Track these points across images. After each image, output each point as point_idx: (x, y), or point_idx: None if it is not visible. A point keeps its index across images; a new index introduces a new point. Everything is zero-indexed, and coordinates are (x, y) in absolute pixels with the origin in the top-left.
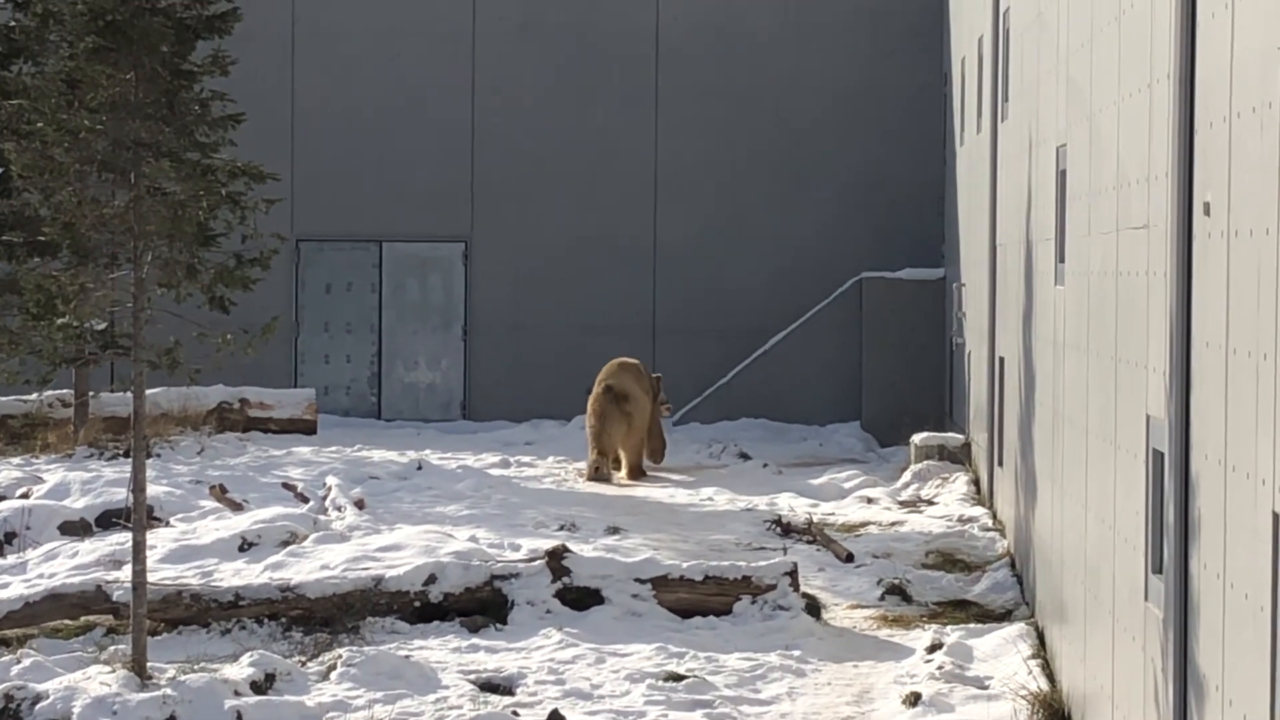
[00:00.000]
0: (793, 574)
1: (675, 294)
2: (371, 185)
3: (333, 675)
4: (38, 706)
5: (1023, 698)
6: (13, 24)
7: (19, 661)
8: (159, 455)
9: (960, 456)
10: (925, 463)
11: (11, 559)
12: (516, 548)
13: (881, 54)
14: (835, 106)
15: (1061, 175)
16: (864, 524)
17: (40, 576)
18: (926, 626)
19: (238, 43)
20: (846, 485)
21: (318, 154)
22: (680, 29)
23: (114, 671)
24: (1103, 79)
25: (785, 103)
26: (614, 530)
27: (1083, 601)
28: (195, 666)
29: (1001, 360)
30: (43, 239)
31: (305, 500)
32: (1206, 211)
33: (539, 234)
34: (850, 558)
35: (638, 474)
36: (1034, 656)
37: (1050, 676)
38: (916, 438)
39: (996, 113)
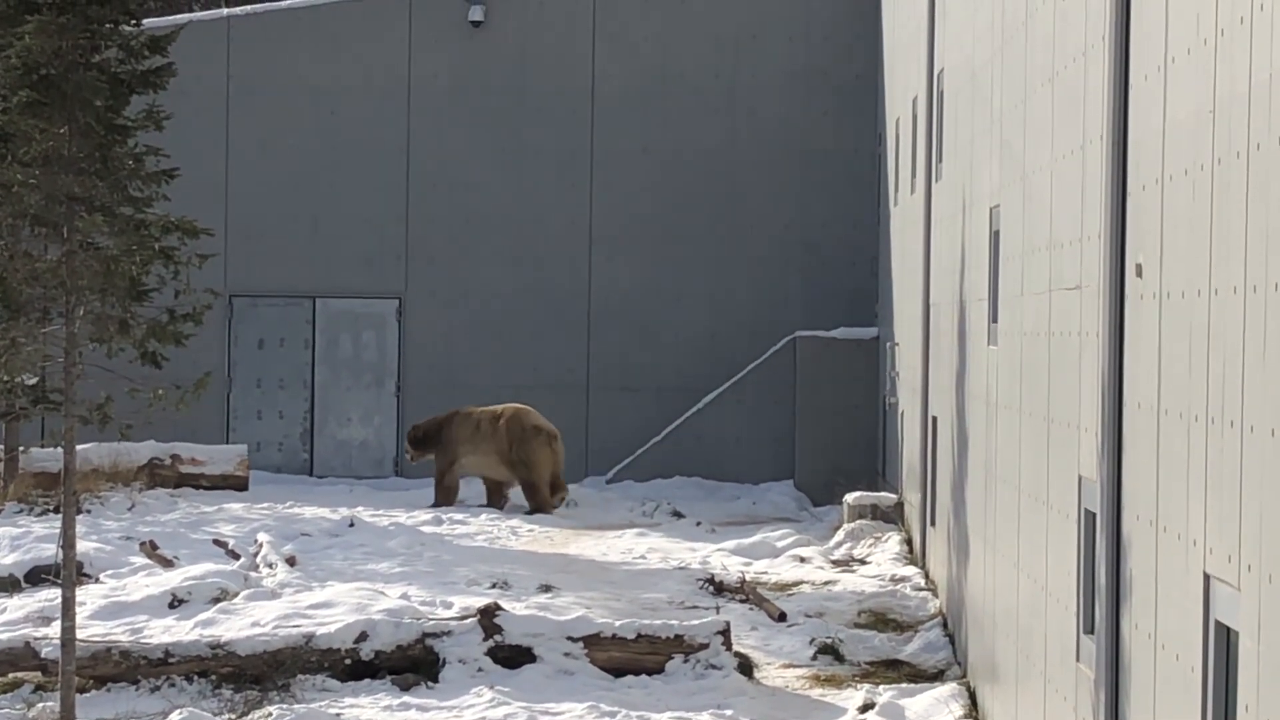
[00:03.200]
0: (725, 633)
1: (609, 352)
2: (305, 241)
3: None
4: None
5: None
6: None
7: None
8: (89, 511)
9: (893, 516)
10: (858, 522)
11: None
12: (449, 605)
13: (816, 114)
14: (770, 165)
15: (995, 235)
16: (797, 583)
17: None
18: (859, 686)
19: (172, 97)
20: (779, 544)
21: (252, 209)
22: (615, 89)
23: None
24: (1036, 140)
25: (720, 162)
26: (546, 588)
27: (1014, 661)
28: None
29: (935, 420)
30: None
31: (236, 557)
32: (1139, 273)
33: (473, 291)
34: (783, 617)
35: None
36: (966, 716)
37: None
38: (849, 497)
39: (930, 173)
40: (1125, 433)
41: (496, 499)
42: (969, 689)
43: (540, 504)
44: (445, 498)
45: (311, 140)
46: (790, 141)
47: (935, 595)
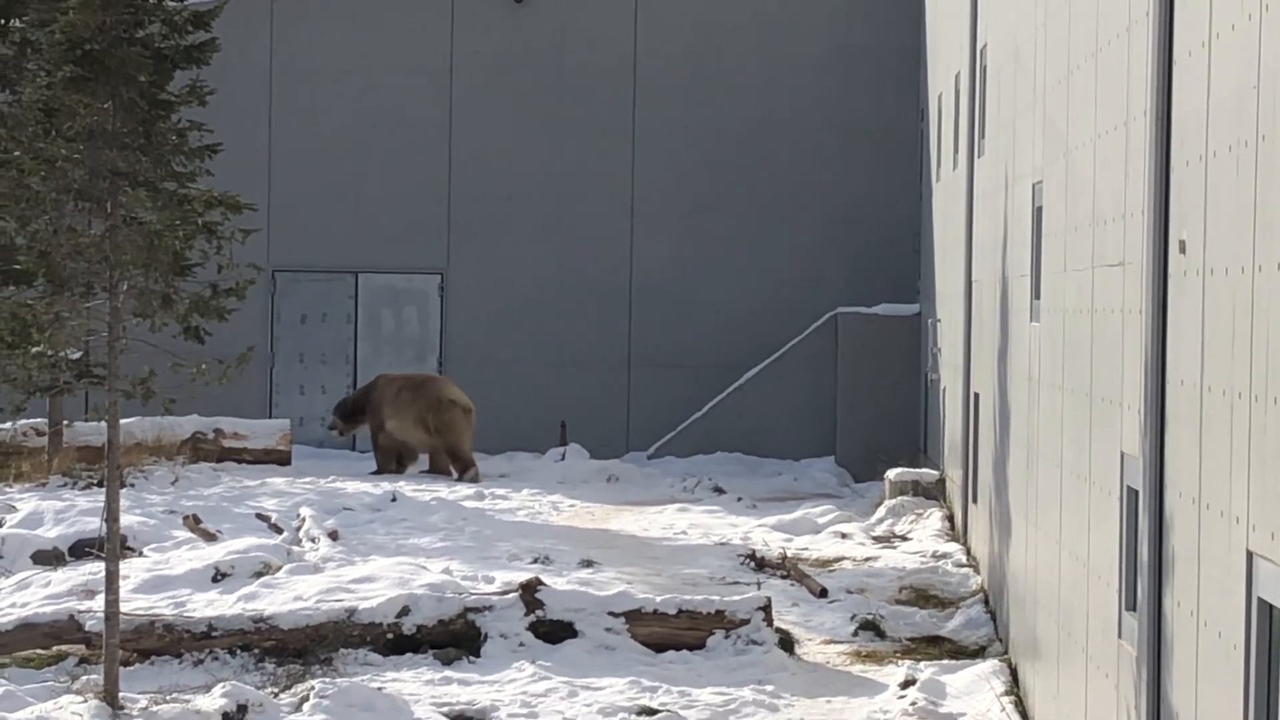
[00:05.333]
0: (766, 609)
1: (651, 328)
2: (348, 217)
3: (305, 707)
4: None
5: None
6: None
7: None
8: (133, 485)
9: (935, 492)
10: (900, 498)
11: None
12: (490, 580)
13: (859, 90)
14: (812, 142)
15: (1037, 212)
16: (838, 559)
17: (12, 606)
18: (900, 662)
19: (216, 73)
20: (821, 520)
21: (294, 185)
22: (657, 64)
23: (86, 702)
24: (1079, 116)
25: (762, 138)
26: (588, 563)
27: (1056, 638)
28: (167, 697)
29: (976, 396)
30: (18, 267)
31: (279, 531)
32: (1182, 249)
33: (515, 267)
34: (824, 593)
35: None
36: (1007, 693)
37: (1023, 713)
38: (891, 473)
39: (973, 149)
40: (1168, 410)
41: (439, 463)
42: (1010, 665)
43: (465, 464)
44: (384, 460)
45: (354, 116)
46: (832, 117)
47: (977, 572)
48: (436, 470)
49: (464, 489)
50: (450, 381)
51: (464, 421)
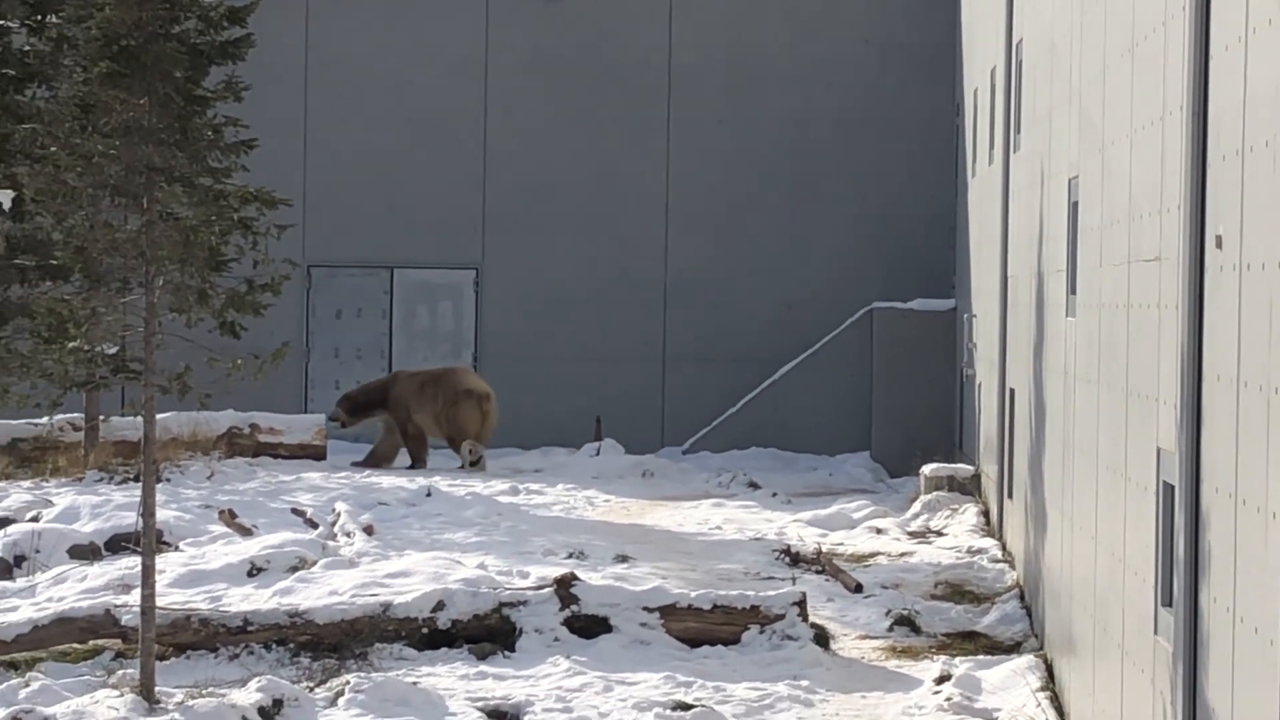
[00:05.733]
0: (801, 604)
1: (685, 322)
2: (383, 212)
3: (340, 701)
4: None
5: None
6: (27, 48)
7: (27, 685)
8: (169, 480)
9: (970, 488)
10: (935, 494)
11: (20, 582)
12: (525, 575)
13: (893, 85)
14: (847, 137)
15: (1073, 207)
16: (873, 554)
17: (49, 600)
18: (935, 658)
19: (251, 68)
20: (856, 515)
21: (330, 180)
22: (692, 60)
23: (122, 696)
24: (1115, 111)
25: (797, 132)
26: (622, 559)
27: (1092, 634)
28: (203, 691)
29: (1012, 391)
30: (55, 263)
31: (314, 526)
32: (1218, 244)
33: (549, 262)
34: (859, 588)
35: None
36: (1043, 689)
37: (1059, 709)
38: (926, 468)
39: (1008, 144)
40: (1204, 405)
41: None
42: (1046, 661)
43: (461, 465)
44: (418, 448)
45: (389, 112)
46: (867, 112)
47: (1012, 567)
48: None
49: (499, 484)
50: (469, 371)
51: (477, 411)
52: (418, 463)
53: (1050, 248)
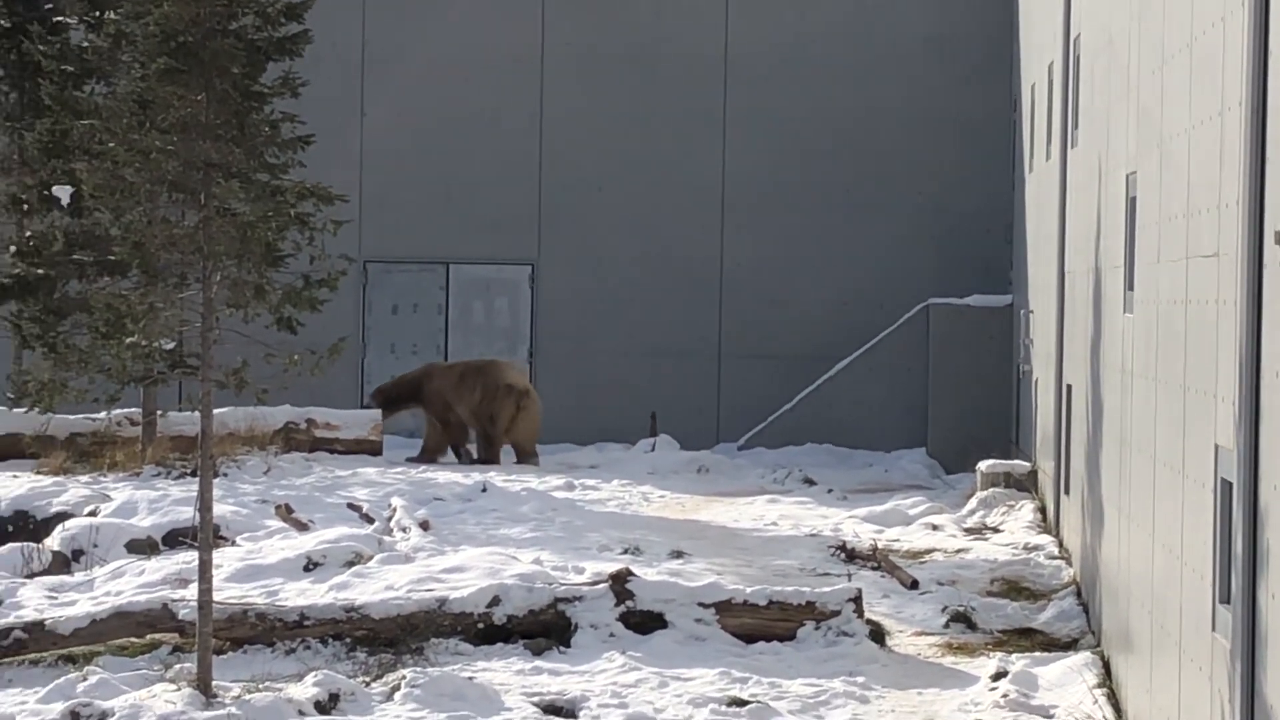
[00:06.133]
0: (857, 600)
1: (741, 318)
2: (439, 208)
3: (396, 696)
4: None
5: None
6: (85, 45)
7: (85, 679)
8: (226, 474)
9: (1026, 484)
10: (991, 490)
11: (79, 576)
12: (580, 571)
13: (950, 79)
14: (903, 131)
15: (1131, 202)
16: (929, 551)
17: (107, 594)
18: (991, 654)
19: (308, 65)
20: (911, 512)
21: (386, 176)
22: (748, 53)
23: (179, 690)
24: (1173, 106)
25: (854, 127)
26: (678, 554)
27: (1149, 631)
28: (260, 686)
29: (1069, 388)
30: (113, 258)
31: (370, 521)
32: (1277, 240)
33: (605, 257)
34: (915, 584)
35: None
36: (1099, 686)
37: (1116, 706)
38: (982, 465)
39: (1066, 139)
40: (1262, 402)
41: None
42: (1103, 658)
43: (492, 457)
44: (460, 439)
45: (444, 107)
46: (924, 107)
47: (1069, 564)
48: (522, 459)
49: (554, 479)
50: (510, 365)
51: (514, 408)
52: (461, 455)
53: (1108, 243)
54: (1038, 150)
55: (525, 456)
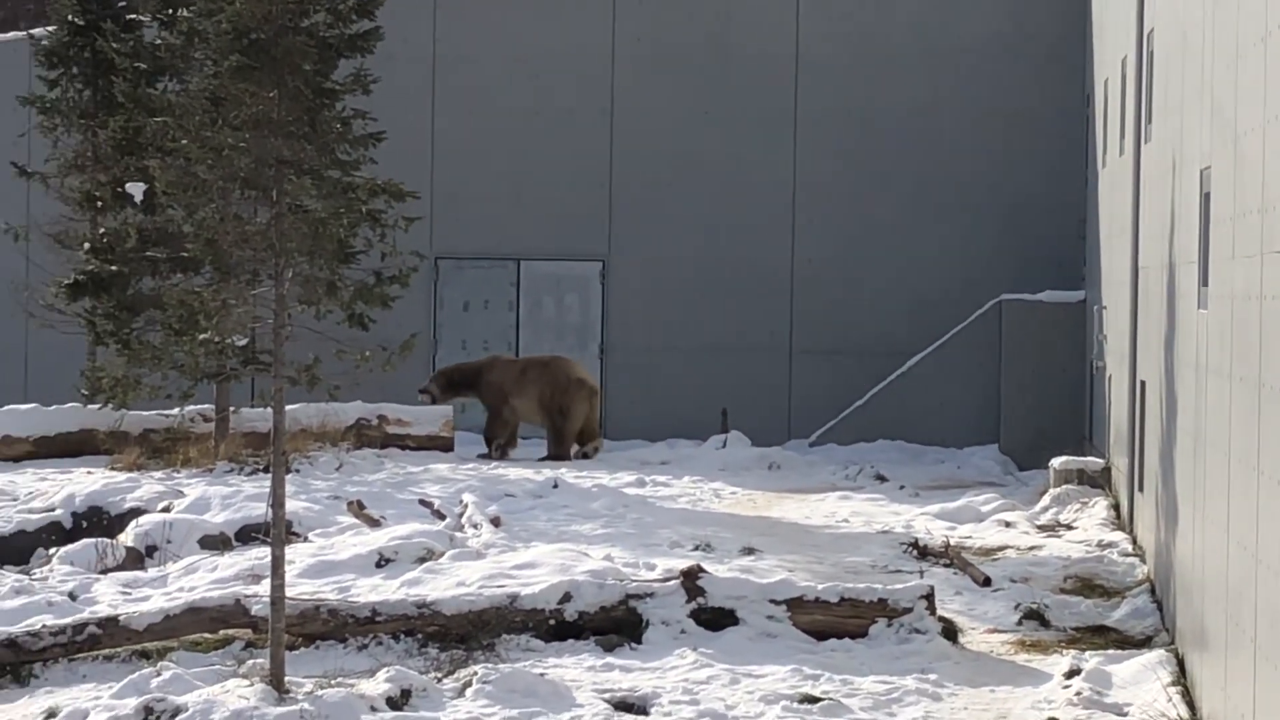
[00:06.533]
0: (929, 597)
1: (812, 314)
2: (510, 204)
3: (468, 692)
4: (177, 719)
5: None
6: (159, 42)
7: (159, 674)
8: (298, 471)
9: (1100, 481)
10: (1064, 487)
11: (152, 572)
12: (651, 567)
13: (1023, 76)
14: (975, 127)
15: (1205, 198)
16: (1002, 548)
17: (180, 590)
18: (1064, 652)
19: (379, 62)
20: (984, 509)
21: (457, 172)
22: (820, 49)
23: (252, 685)
24: (1248, 101)
25: (925, 123)
26: (749, 551)
27: (1224, 629)
28: (332, 681)
29: (1143, 384)
30: (186, 255)
31: (442, 517)
32: None
33: (676, 253)
34: (988, 582)
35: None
36: (1174, 684)
37: (1190, 704)
38: (1056, 461)
39: (1139, 135)
40: None
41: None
42: (1177, 656)
43: (562, 453)
44: (504, 430)
45: (515, 103)
46: (996, 102)
47: (1143, 561)
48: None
49: (625, 476)
50: (576, 362)
51: (587, 404)
52: (499, 446)
53: (1181, 239)
54: (1111, 146)
55: (593, 450)
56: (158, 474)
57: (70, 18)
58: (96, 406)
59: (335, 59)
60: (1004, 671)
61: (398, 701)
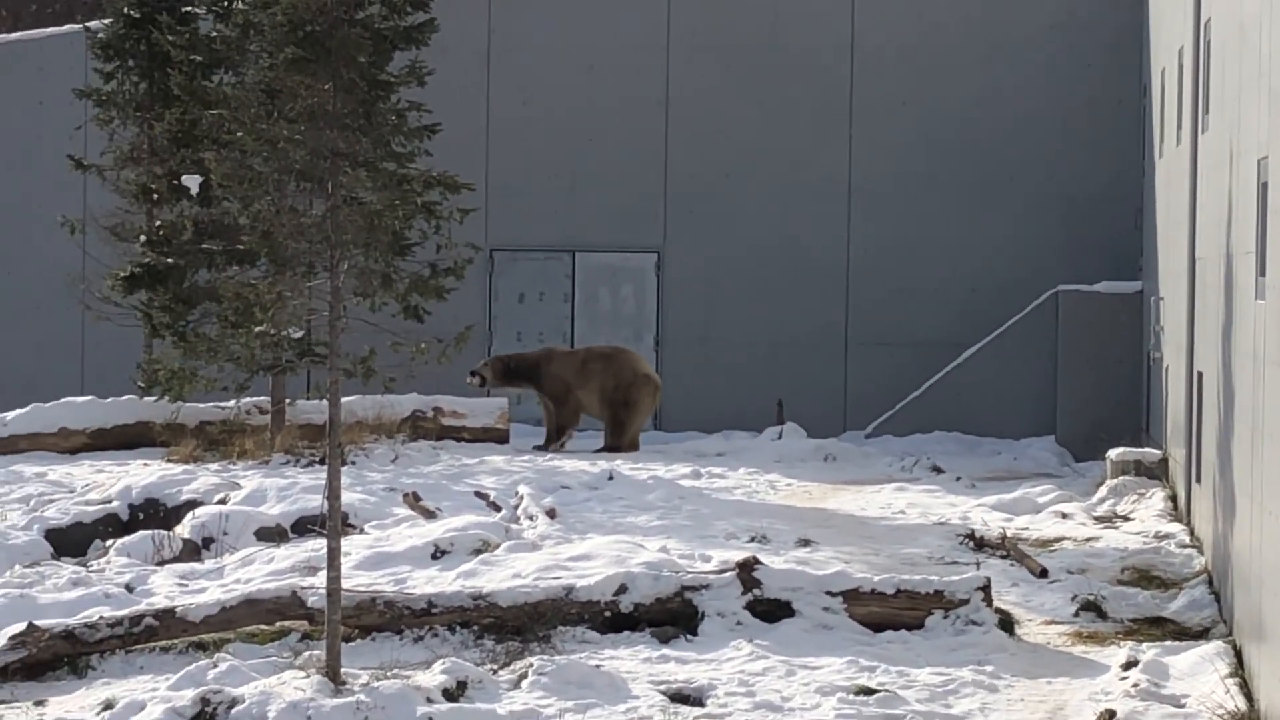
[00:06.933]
0: (986, 589)
1: (868, 305)
2: (565, 196)
3: (524, 684)
4: (233, 710)
5: (1220, 717)
6: (214, 34)
7: (215, 666)
8: (354, 463)
9: (1157, 472)
10: (1121, 478)
11: (209, 564)
12: (707, 559)
13: (1078, 66)
14: (1031, 118)
15: (1263, 188)
16: (1058, 539)
17: (236, 582)
18: (1121, 644)
19: (434, 54)
20: (1041, 500)
21: (512, 164)
22: (875, 40)
23: (308, 677)
24: None
25: (980, 114)
26: (805, 542)
27: None
28: (388, 673)
29: (1200, 375)
30: (241, 247)
31: (497, 509)
32: None
33: (731, 245)
34: (1044, 573)
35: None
36: (1231, 675)
37: (1248, 696)
38: (1112, 453)
39: (1196, 125)
40: None
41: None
42: (1235, 647)
43: (621, 444)
44: (576, 418)
45: (570, 95)
46: (1052, 93)
47: (1200, 552)
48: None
49: (681, 468)
50: (638, 355)
51: (651, 398)
52: (559, 434)
53: (1239, 229)
54: (1168, 135)
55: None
56: (214, 466)
57: (126, 10)
58: (153, 399)
59: (390, 51)
60: (1061, 663)
61: (454, 693)
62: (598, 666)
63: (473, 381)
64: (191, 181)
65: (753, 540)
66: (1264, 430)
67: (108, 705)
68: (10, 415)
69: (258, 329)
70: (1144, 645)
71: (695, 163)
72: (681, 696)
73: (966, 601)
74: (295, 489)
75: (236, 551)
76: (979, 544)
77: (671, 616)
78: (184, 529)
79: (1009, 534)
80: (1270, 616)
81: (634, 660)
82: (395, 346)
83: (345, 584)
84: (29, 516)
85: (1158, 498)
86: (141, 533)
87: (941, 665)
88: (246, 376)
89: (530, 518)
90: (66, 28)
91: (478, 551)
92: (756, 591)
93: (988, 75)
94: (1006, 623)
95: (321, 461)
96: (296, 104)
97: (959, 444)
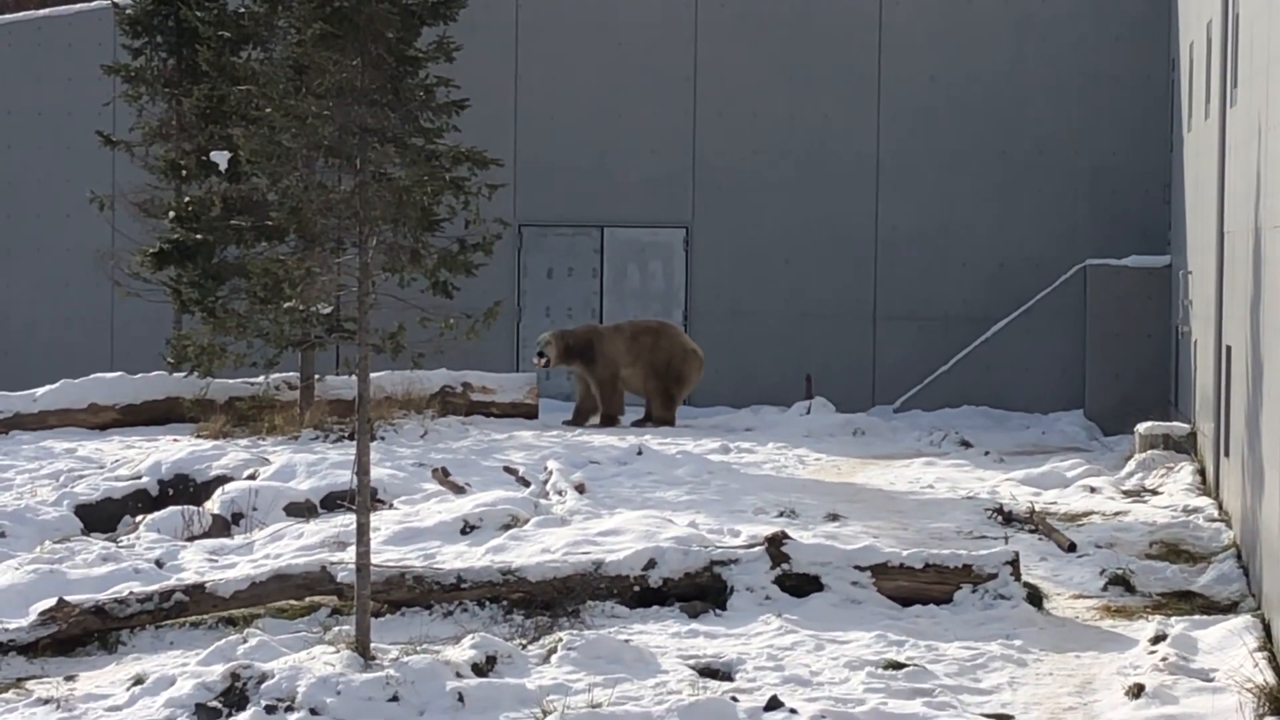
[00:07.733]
0: (1014, 563)
1: (897, 280)
2: (593, 171)
3: (553, 658)
4: (263, 685)
5: (1248, 690)
6: (243, 11)
7: (245, 641)
8: (383, 438)
9: (1186, 446)
10: (1150, 452)
11: (238, 539)
12: (736, 534)
13: (1107, 41)
14: (1059, 92)
15: None
16: (1087, 513)
17: (266, 557)
18: (1150, 618)
19: (462, 30)
20: (1069, 474)
21: (540, 140)
22: (904, 16)
23: (338, 652)
24: None
25: (1008, 89)
26: (834, 517)
27: None
28: (418, 648)
29: (1229, 349)
30: (270, 223)
31: (526, 484)
32: None
33: (759, 220)
34: (1072, 547)
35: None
36: (1260, 649)
37: (1277, 670)
38: (1141, 427)
39: (1225, 98)
40: None
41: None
42: (1263, 621)
43: (670, 418)
44: (619, 407)
45: (598, 71)
46: (1080, 68)
47: (1229, 526)
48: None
49: (710, 443)
50: (681, 330)
51: (697, 373)
52: (614, 417)
53: (1268, 203)
54: (1196, 110)
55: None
56: (243, 441)
57: None
58: (182, 375)
59: (418, 27)
60: (1089, 637)
61: (483, 668)
62: (627, 641)
63: (539, 362)
64: (220, 157)
65: (781, 515)
66: None
67: (138, 680)
68: (40, 391)
69: (286, 305)
70: (1172, 619)
71: (723, 138)
72: (710, 671)
73: (995, 576)
74: (324, 464)
75: (266, 527)
76: (1007, 518)
77: (700, 591)
78: (213, 504)
79: (1037, 508)
80: None
81: (663, 635)
82: (424, 322)
83: (374, 559)
84: (59, 492)
85: (1186, 472)
86: (171, 508)
87: (970, 639)
88: (275, 352)
89: (559, 493)
90: (95, 4)
91: (507, 527)
92: (785, 566)
93: (1016, 50)
94: (1035, 597)
95: (350, 437)
96: (325, 80)
97: (987, 418)
